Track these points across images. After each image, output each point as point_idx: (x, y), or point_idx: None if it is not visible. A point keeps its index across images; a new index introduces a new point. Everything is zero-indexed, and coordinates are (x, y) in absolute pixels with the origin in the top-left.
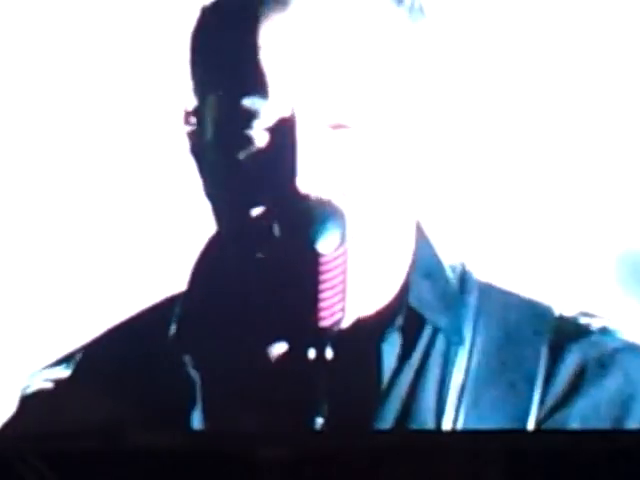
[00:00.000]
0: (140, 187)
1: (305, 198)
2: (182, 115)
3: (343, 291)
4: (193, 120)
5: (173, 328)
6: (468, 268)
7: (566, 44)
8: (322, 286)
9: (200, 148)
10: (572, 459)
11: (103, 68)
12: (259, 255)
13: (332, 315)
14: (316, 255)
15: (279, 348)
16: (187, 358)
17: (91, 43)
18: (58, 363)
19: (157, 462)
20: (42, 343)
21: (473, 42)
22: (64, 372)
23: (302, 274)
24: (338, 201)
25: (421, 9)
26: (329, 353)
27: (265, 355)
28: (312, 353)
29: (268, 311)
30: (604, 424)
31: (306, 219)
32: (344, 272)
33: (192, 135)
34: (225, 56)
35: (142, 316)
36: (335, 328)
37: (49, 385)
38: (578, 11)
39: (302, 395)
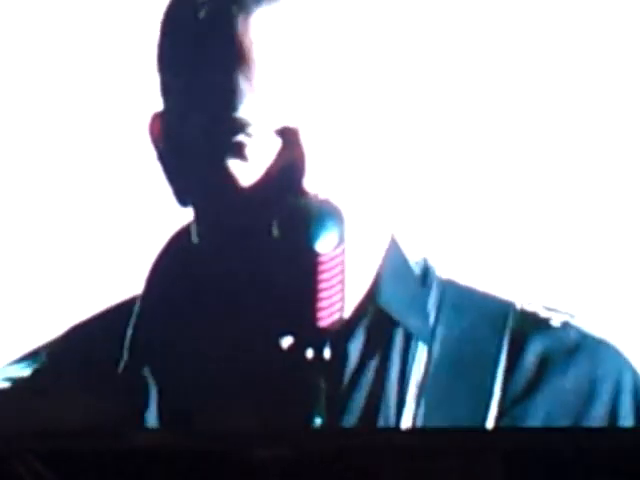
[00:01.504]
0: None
1: (303, 198)
2: (150, 121)
3: (342, 291)
4: (161, 124)
5: (130, 331)
6: (430, 264)
7: (558, 44)
8: (320, 286)
9: (182, 150)
10: (569, 459)
11: (99, 68)
12: (256, 255)
13: (330, 315)
14: (314, 255)
15: (277, 347)
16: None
17: (87, 43)
18: (19, 361)
19: (154, 462)
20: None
21: (467, 42)
22: (25, 370)
23: (300, 274)
24: (336, 200)
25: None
26: (327, 353)
27: (263, 355)
28: (310, 353)
29: (266, 311)
30: (567, 417)
31: (304, 218)
32: (342, 272)
33: (159, 141)
34: (219, 58)
35: (105, 315)
36: (334, 328)
37: (8, 384)
38: (565, 11)
39: (300, 395)
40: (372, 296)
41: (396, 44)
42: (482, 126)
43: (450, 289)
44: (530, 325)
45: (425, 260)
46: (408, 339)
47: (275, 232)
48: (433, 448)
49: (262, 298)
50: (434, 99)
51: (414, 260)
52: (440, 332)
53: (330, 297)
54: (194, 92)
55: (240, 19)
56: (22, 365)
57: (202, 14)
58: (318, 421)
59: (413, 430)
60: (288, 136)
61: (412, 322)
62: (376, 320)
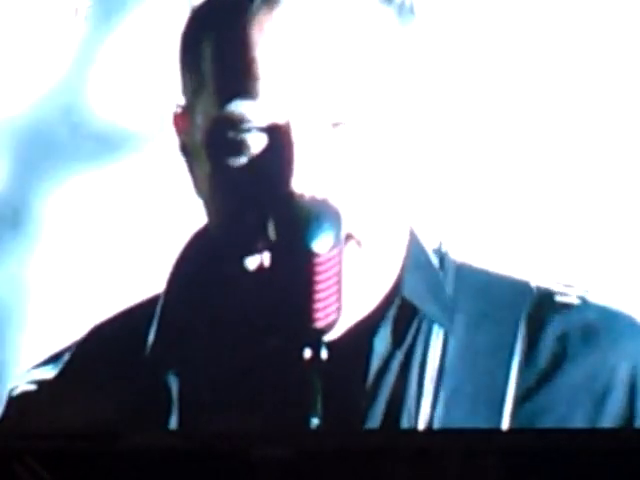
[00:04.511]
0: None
1: (300, 198)
2: (172, 114)
3: (338, 291)
4: (183, 119)
5: (153, 330)
6: (444, 249)
7: (558, 40)
8: (317, 286)
9: (191, 148)
10: (569, 459)
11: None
12: (253, 256)
13: (327, 316)
14: (311, 255)
15: (274, 348)
16: (171, 359)
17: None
18: (45, 363)
19: (152, 462)
20: (30, 342)
21: (464, 39)
22: (50, 372)
23: (297, 274)
24: (333, 200)
25: (411, 9)
26: (324, 353)
27: (260, 355)
28: (308, 353)
29: (263, 311)
30: (590, 396)
31: (301, 219)
32: (339, 272)
33: (182, 134)
34: (216, 57)
35: (127, 314)
36: (330, 328)
37: (33, 387)
38: (571, 9)
39: (297, 395)
40: (397, 289)
41: (393, 43)
42: (486, 116)
43: (465, 272)
44: (547, 305)
45: (440, 245)
46: (430, 327)
47: (271, 233)
48: (432, 448)
49: (259, 298)
50: (437, 97)
51: (432, 247)
52: (458, 318)
53: (326, 298)
54: (202, 88)
55: (241, 20)
56: (46, 368)
57: (209, 15)
58: (315, 421)
59: (408, 430)
60: (279, 134)
61: (432, 309)
62: (401, 311)
